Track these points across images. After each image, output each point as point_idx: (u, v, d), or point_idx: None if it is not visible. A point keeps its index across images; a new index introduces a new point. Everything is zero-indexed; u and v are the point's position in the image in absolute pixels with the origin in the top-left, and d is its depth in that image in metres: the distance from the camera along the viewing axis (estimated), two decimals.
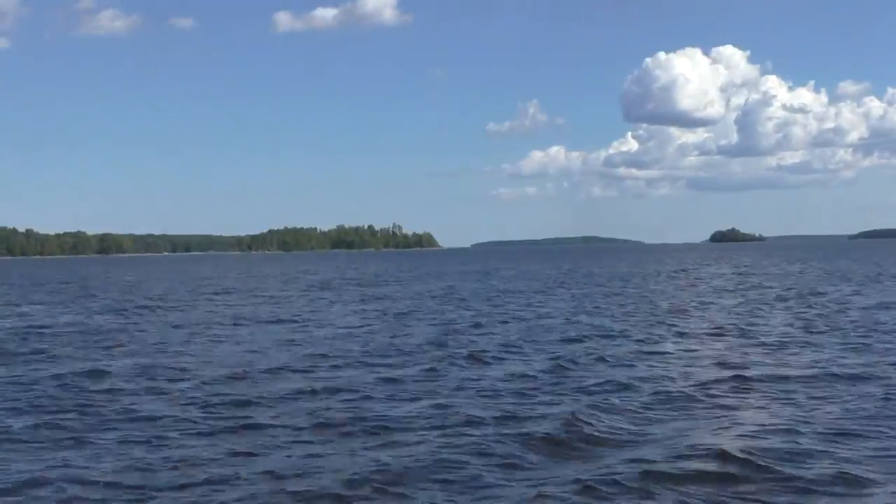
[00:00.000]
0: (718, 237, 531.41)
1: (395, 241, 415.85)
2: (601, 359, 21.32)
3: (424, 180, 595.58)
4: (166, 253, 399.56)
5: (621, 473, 11.14)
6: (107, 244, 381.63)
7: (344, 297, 49.68)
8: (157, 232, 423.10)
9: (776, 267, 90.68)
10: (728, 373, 18.72)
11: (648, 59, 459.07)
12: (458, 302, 44.13)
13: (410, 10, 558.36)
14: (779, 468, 11.33)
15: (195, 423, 14.44)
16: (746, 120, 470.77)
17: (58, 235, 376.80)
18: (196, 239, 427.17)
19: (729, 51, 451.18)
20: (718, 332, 27.15)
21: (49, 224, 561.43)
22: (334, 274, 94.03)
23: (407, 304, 43.26)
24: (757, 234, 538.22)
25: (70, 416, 15.13)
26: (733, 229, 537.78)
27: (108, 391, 17.61)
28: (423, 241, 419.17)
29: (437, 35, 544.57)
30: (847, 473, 11.06)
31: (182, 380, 19.00)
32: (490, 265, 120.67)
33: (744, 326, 28.74)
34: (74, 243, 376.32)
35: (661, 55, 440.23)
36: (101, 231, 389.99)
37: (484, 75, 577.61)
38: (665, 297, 45.48)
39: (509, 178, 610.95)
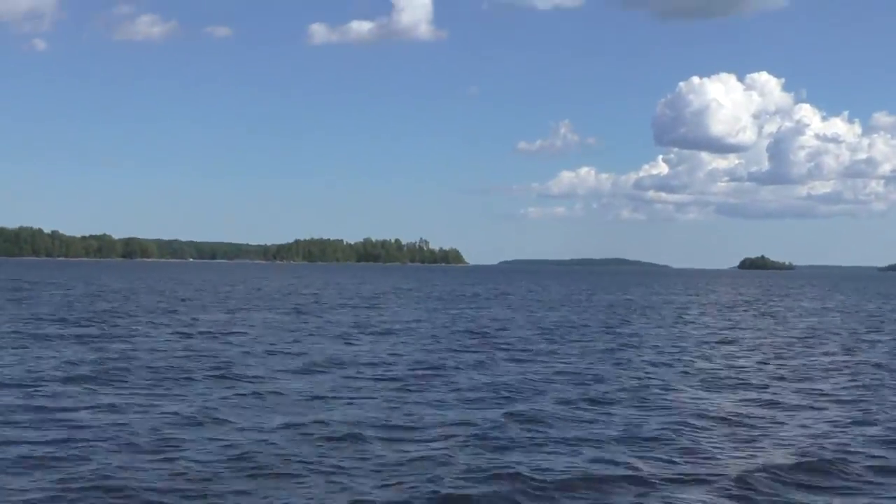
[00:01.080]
0: (748, 264, 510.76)
1: (421, 255, 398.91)
2: None
3: (453, 196, 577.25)
4: (191, 259, 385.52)
5: None
6: (131, 248, 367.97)
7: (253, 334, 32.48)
8: (183, 238, 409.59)
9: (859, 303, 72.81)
10: None
11: (682, 83, 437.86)
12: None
13: (445, 27, 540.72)
14: None
15: None
16: (778, 148, 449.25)
17: (83, 238, 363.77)
18: (222, 247, 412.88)
19: (764, 77, 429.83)
20: None
21: (76, 226, 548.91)
22: (313, 290, 77.03)
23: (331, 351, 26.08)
24: (787, 263, 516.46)
25: None
26: (762, 257, 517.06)
27: None
28: (449, 257, 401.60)
29: (470, 52, 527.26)
30: None
31: None
32: (531, 287, 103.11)
33: None
34: (99, 246, 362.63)
35: (695, 79, 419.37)
36: (128, 235, 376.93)
37: (516, 94, 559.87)
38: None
39: (538, 198, 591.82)
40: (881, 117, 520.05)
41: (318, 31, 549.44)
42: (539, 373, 21.83)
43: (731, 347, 30.34)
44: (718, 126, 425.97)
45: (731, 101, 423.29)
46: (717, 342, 32.19)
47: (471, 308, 52.99)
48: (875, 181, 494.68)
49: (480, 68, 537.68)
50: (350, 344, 28.44)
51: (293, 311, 45.71)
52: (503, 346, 28.37)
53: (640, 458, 12.77)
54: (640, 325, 40.02)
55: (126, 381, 18.70)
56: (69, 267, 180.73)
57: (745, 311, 57.25)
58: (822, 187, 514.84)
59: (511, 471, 11.68)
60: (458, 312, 47.81)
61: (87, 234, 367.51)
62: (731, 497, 11.13)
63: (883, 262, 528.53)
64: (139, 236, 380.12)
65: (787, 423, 15.82)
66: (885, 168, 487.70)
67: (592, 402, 17.53)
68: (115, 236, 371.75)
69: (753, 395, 19.21)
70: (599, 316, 47.18)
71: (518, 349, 27.64)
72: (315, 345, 27.79)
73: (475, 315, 45.77)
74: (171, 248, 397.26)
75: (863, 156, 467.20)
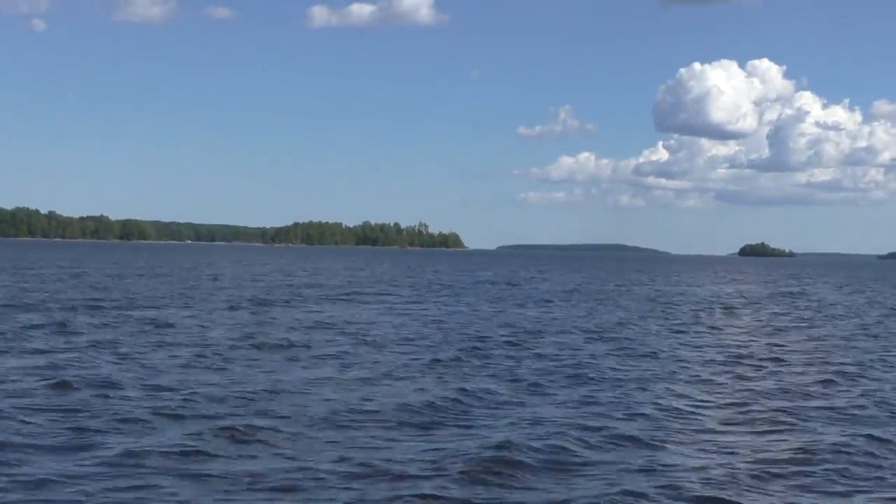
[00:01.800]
0: (748, 251, 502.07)
1: (420, 239, 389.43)
2: None
3: (452, 180, 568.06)
4: (189, 242, 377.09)
5: None
6: (129, 230, 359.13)
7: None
8: (182, 220, 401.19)
9: None
10: None
11: (683, 70, 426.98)
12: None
13: (446, 11, 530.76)
14: None
15: None
16: (778, 135, 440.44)
17: (80, 219, 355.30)
18: (221, 229, 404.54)
19: (765, 65, 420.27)
20: None
21: (74, 207, 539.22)
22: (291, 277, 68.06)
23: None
24: (787, 250, 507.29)
25: None
26: (762, 244, 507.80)
27: None
28: (448, 241, 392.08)
29: (472, 36, 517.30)
30: None
31: None
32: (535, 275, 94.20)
33: None
34: (96, 228, 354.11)
35: (696, 66, 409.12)
36: (126, 217, 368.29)
37: (517, 78, 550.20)
38: None
39: (538, 183, 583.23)
40: (882, 105, 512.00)
41: (319, 14, 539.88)
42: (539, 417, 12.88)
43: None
44: (719, 113, 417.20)
45: (731, 88, 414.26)
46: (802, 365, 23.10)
47: (459, 304, 44.03)
48: (875, 169, 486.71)
49: (481, 53, 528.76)
50: (244, 367, 19.49)
51: (227, 307, 36.75)
52: (481, 378, 19.40)
53: None
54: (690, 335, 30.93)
55: None
56: (59, 248, 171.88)
57: (784, 309, 48.24)
58: (821, 175, 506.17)
59: None
60: (449, 312, 38.88)
61: (84, 215, 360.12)
62: None
63: (882, 250, 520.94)
64: (138, 218, 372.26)
65: None
66: (885, 156, 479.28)
67: None
68: (114, 218, 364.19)
69: None
70: (621, 314, 38.20)
71: (485, 373, 18.65)
72: (184, 365, 18.83)
73: (462, 315, 36.82)
74: (170, 231, 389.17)
75: (863, 144, 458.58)
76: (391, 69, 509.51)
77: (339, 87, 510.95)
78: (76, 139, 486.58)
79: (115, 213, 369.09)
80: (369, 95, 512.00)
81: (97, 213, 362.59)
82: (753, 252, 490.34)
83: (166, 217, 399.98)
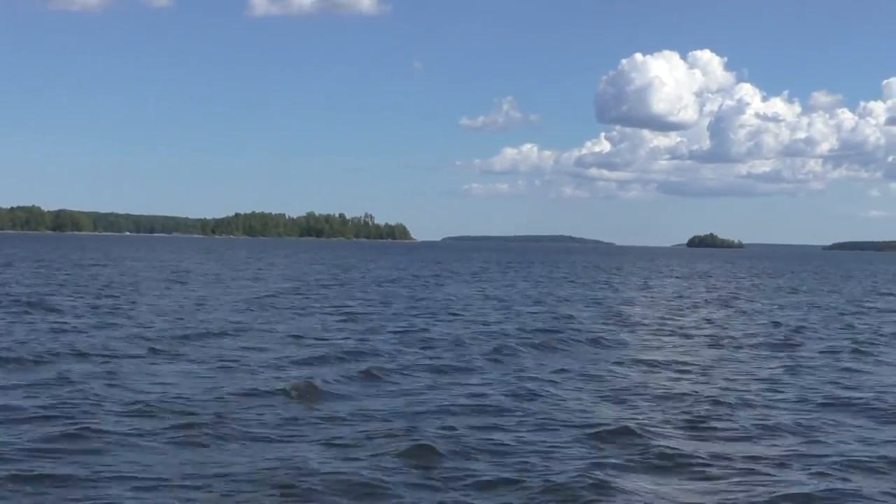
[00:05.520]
0: (696, 242, 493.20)
1: (367, 230, 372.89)
2: None
3: (397, 171, 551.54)
4: (128, 233, 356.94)
5: None
6: (62, 221, 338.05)
7: None
8: (120, 211, 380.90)
9: None
10: None
11: (624, 61, 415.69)
12: None
13: (389, 1, 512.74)
14: None
15: None
16: (719, 126, 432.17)
17: (11, 209, 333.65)
18: (160, 220, 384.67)
19: (706, 56, 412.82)
20: None
21: (4, 198, 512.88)
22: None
23: None
24: (735, 241, 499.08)
25: None
26: (711, 234, 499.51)
27: None
28: (395, 233, 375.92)
29: (414, 27, 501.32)
30: None
31: None
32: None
33: None
34: (27, 219, 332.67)
35: (638, 57, 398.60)
36: (62, 208, 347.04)
37: (460, 69, 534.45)
38: None
39: (481, 174, 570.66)
40: (820, 96, 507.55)
41: (260, 3, 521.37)
42: None
43: None
44: (660, 104, 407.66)
45: (673, 79, 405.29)
46: None
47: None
48: (814, 160, 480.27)
49: (424, 43, 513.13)
50: None
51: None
52: None
53: None
54: None
55: None
56: None
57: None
58: (761, 166, 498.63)
59: None
60: None
61: (15, 205, 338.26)
62: None
63: (826, 241, 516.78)
64: (75, 209, 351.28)
65: None
66: (824, 147, 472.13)
67: None
68: (49, 209, 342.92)
69: None
70: None
71: None
72: None
73: None
74: (107, 221, 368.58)
75: (802, 135, 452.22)
76: (334, 59, 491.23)
77: (281, 77, 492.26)
78: (8, 129, 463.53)
79: (50, 205, 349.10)
80: (311, 85, 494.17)
81: (30, 204, 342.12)
82: (702, 243, 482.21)
83: (104, 208, 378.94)
